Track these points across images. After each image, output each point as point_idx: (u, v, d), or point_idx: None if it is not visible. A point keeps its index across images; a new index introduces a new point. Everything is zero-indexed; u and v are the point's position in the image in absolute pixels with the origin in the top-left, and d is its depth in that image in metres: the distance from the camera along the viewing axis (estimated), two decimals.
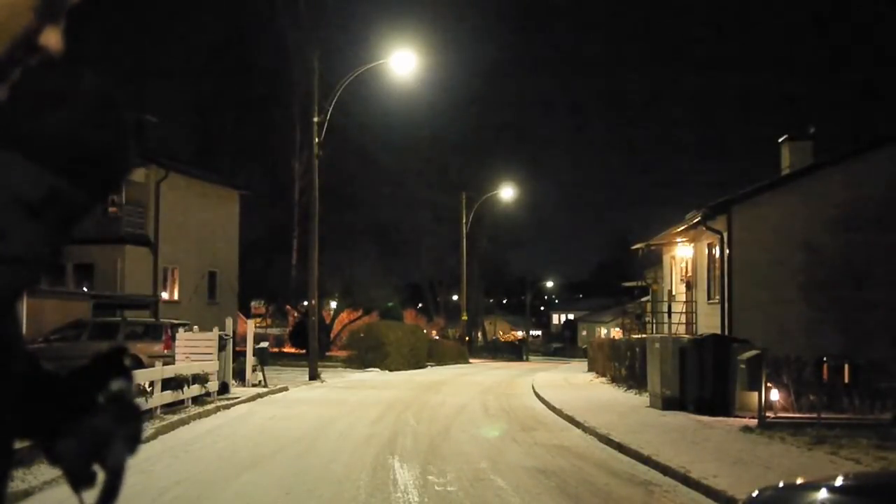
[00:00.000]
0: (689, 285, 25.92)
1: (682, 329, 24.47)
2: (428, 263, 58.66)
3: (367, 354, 35.01)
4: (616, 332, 51.58)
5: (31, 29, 0.99)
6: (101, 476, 1.13)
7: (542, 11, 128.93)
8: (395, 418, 15.70)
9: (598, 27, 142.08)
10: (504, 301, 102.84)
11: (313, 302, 27.79)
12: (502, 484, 9.12)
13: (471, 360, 48.82)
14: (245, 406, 17.41)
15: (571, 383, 26.26)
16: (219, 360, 18.36)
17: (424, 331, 48.36)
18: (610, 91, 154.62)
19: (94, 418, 1.13)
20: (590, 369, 33.59)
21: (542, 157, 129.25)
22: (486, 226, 60.67)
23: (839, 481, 2.89)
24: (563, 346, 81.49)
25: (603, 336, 57.08)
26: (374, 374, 31.36)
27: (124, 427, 1.14)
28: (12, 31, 0.98)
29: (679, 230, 25.28)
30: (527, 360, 57.79)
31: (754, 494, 2.87)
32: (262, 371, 21.48)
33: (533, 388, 23.53)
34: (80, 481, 1.12)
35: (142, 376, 13.98)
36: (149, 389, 13.96)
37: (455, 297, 65.43)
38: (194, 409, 15.42)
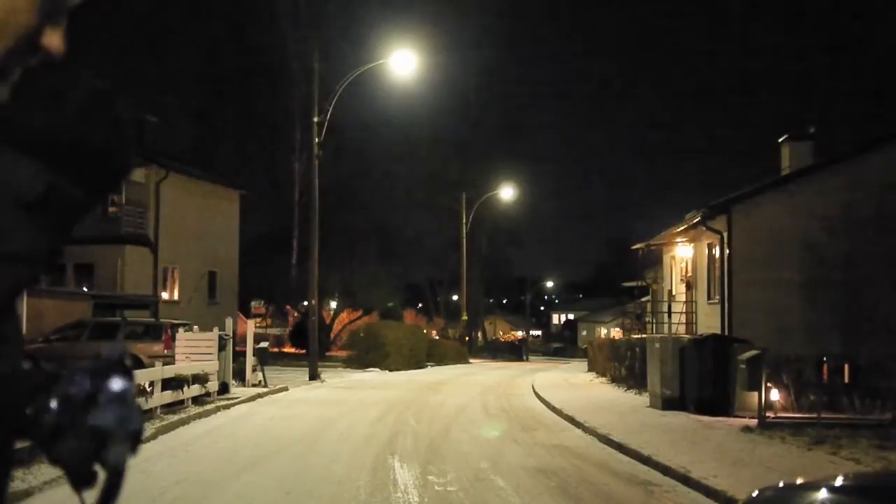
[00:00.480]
0: (689, 285, 25.93)
1: (682, 329, 24.47)
2: (428, 263, 58.63)
3: (367, 354, 35.01)
4: (616, 332, 51.61)
5: (33, 29, 0.99)
6: (101, 476, 1.13)
7: (543, 11, 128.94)
8: (395, 418, 15.70)
9: (599, 27, 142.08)
10: (504, 301, 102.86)
11: (313, 302, 27.79)
12: (502, 484, 9.12)
13: (471, 360, 48.82)
14: (245, 406, 17.41)
15: (571, 383, 26.26)
16: (219, 360, 18.36)
17: (424, 331, 48.36)
18: (610, 91, 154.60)
19: (95, 418, 1.12)
20: (590, 369, 33.59)
21: (542, 156, 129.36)
22: (486, 226, 60.66)
23: (839, 481, 2.89)
24: (563, 346, 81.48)
25: (603, 336, 57.11)
26: (374, 375, 31.36)
27: (125, 427, 1.14)
28: (13, 31, 0.98)
29: (679, 230, 25.28)
30: (527, 360, 57.76)
31: (754, 494, 2.87)
32: (262, 371, 21.48)
33: (533, 388, 23.54)
34: (80, 481, 1.12)
35: (142, 376, 13.97)
36: (149, 389, 13.95)
37: (455, 297, 65.42)
38: (194, 409, 15.42)
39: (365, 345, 35.74)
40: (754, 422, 13.54)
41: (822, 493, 2.58)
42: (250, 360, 21.53)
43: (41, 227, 0.96)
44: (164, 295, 30.28)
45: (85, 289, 26.61)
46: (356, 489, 8.68)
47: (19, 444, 1.13)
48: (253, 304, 49.34)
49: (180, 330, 20.19)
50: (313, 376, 25.71)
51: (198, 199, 32.68)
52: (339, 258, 40.33)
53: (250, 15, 43.25)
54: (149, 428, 12.57)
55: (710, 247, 23.07)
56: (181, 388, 15.35)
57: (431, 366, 40.06)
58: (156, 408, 14.14)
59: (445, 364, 42.47)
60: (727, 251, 20.55)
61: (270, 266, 41.55)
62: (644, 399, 18.36)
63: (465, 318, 53.20)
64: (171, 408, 14.90)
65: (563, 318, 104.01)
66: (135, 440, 1.16)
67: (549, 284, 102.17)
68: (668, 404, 16.37)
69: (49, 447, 1.14)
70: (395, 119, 48.68)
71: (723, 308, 20.63)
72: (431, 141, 54.58)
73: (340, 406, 17.94)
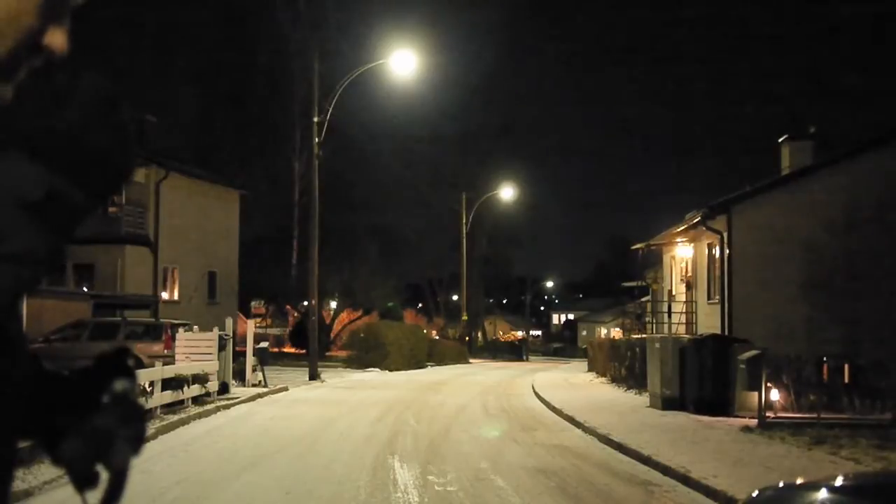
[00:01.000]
0: (689, 285, 25.92)
1: (682, 329, 24.47)
2: (428, 263, 58.62)
3: (367, 354, 35.00)
4: (616, 332, 51.59)
5: (35, 29, 1.00)
6: (104, 476, 1.13)
7: (543, 11, 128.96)
8: (395, 418, 15.70)
9: (600, 27, 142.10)
10: (504, 301, 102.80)
11: (313, 302, 27.79)
12: (502, 484, 9.13)
13: (471, 360, 48.81)
14: (245, 406, 17.41)
15: (571, 383, 26.26)
16: (219, 360, 18.36)
17: (424, 331, 48.35)
18: (611, 91, 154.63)
19: (98, 418, 1.13)
20: (590, 369, 33.59)
21: (542, 156, 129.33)
22: (486, 226, 60.65)
23: (839, 481, 2.89)
24: (563, 346, 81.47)
25: (603, 336, 57.11)
26: (374, 374, 31.36)
27: (128, 427, 1.14)
28: (16, 30, 0.98)
29: (679, 230, 25.28)
30: (527, 360, 57.75)
31: (754, 494, 2.87)
32: (262, 371, 21.48)
33: (533, 388, 23.54)
34: (83, 482, 1.12)
35: (142, 376, 13.96)
36: (149, 389, 13.95)
37: (455, 297, 65.41)
38: (194, 409, 15.42)
39: (365, 345, 35.74)
40: (754, 422, 13.54)
41: (822, 493, 2.58)
42: (250, 360, 21.53)
43: (42, 228, 0.96)
44: (164, 295, 30.27)
45: (85, 289, 26.59)
46: (356, 489, 8.68)
47: (20, 444, 1.13)
48: (253, 304, 49.32)
49: (180, 330, 20.19)
50: (313, 376, 25.71)
51: (198, 199, 32.68)
52: (339, 258, 40.32)
53: (250, 15, 43.26)
54: (149, 428, 12.55)
55: (710, 247, 23.07)
56: (181, 388, 15.36)
57: (431, 366, 40.06)
58: (156, 408, 14.14)
59: (445, 364, 42.46)
60: (727, 251, 20.55)
61: (270, 266, 41.54)
62: (644, 399, 18.36)
63: (465, 318, 53.19)
64: (171, 408, 14.90)
65: (563, 318, 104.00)
66: (138, 441, 1.16)
67: (549, 284, 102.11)
68: (667, 404, 16.37)
69: (52, 447, 1.14)
70: (395, 119, 48.74)
71: (723, 308, 20.63)
72: (431, 141, 54.60)
73: (340, 406, 17.94)
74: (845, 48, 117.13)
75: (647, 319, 29.43)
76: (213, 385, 17.48)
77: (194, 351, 18.20)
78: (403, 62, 27.23)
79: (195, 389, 16.15)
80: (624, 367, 23.77)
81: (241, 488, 8.79)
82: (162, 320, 22.44)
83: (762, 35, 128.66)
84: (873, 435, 11.96)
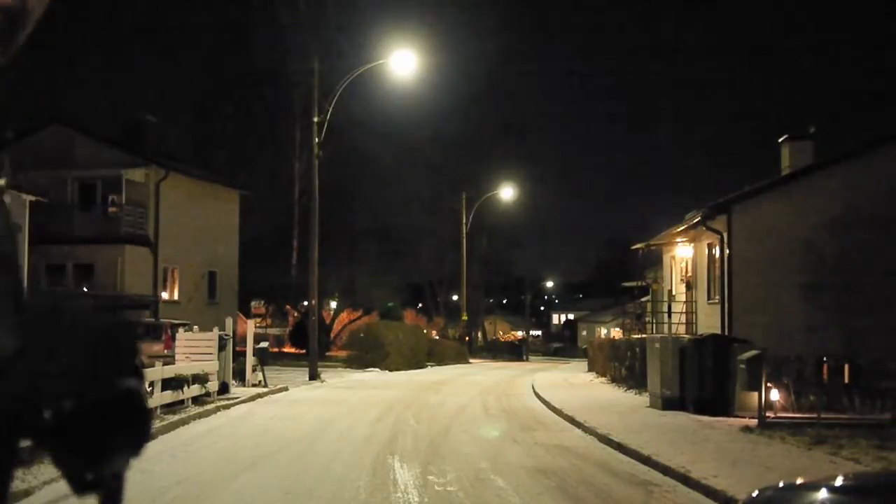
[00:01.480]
0: (689, 285, 25.92)
1: (682, 329, 24.47)
2: (428, 263, 58.61)
3: (367, 354, 35.01)
4: (616, 332, 51.58)
5: None
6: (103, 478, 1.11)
7: (543, 11, 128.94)
8: (395, 418, 15.71)
9: (599, 28, 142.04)
10: (504, 301, 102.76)
11: (313, 302, 27.80)
12: (502, 484, 9.13)
13: (471, 360, 48.82)
14: (245, 406, 17.41)
15: (571, 383, 26.26)
16: (219, 360, 18.36)
17: (424, 331, 48.36)
18: (611, 91, 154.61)
19: (100, 418, 1.10)
20: (590, 369, 33.58)
21: (542, 156, 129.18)
22: (487, 226, 60.63)
23: (839, 481, 2.88)
24: (563, 346, 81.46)
25: (603, 336, 57.08)
26: (374, 374, 31.36)
27: (131, 428, 1.11)
28: None
29: (679, 230, 25.28)
30: (527, 360, 57.74)
31: (754, 494, 2.87)
32: (262, 371, 21.49)
33: (533, 388, 23.53)
34: (82, 486, 1.09)
35: None
36: (149, 389, 13.96)
37: (455, 297, 65.38)
38: (194, 409, 15.42)
39: (365, 345, 35.74)
40: (754, 422, 13.54)
41: (822, 493, 2.58)
42: (250, 360, 21.54)
43: None
44: (164, 295, 30.27)
45: (85, 289, 26.60)
46: (356, 489, 8.68)
47: (20, 444, 1.12)
48: (253, 304, 49.32)
49: (180, 330, 20.21)
50: (313, 376, 25.71)
51: (198, 199, 32.67)
52: (339, 258, 40.33)
53: (250, 15, 43.28)
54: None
55: (710, 247, 23.07)
56: (181, 388, 15.36)
57: (431, 366, 40.07)
58: (156, 408, 14.14)
59: (445, 364, 42.47)
60: (727, 251, 20.55)
61: (270, 266, 41.55)
62: (644, 399, 18.36)
63: (464, 318, 53.19)
64: (171, 408, 14.91)
65: (563, 318, 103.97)
66: (140, 442, 1.13)
67: (549, 284, 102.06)
68: (667, 404, 16.37)
69: (52, 449, 1.12)
70: (395, 119, 48.71)
71: (723, 308, 20.63)
72: (431, 140, 54.59)
73: (340, 406, 17.94)
74: (846, 48, 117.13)
75: (647, 319, 29.43)
76: (213, 385, 17.49)
77: (194, 351, 18.21)
78: (403, 62, 27.23)
79: (195, 389, 16.15)
80: (624, 367, 23.78)
81: (240, 488, 8.79)
82: (162, 320, 22.48)
83: (766, 35, 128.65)
84: (873, 435, 11.95)
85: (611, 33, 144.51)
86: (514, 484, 9.12)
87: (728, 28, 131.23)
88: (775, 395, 14.08)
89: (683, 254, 26.60)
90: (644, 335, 24.05)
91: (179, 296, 31.57)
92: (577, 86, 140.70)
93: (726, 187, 32.14)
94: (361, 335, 37.36)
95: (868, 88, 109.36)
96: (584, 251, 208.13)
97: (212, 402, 16.84)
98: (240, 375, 20.97)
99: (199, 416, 15.07)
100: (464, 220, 49.80)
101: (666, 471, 9.90)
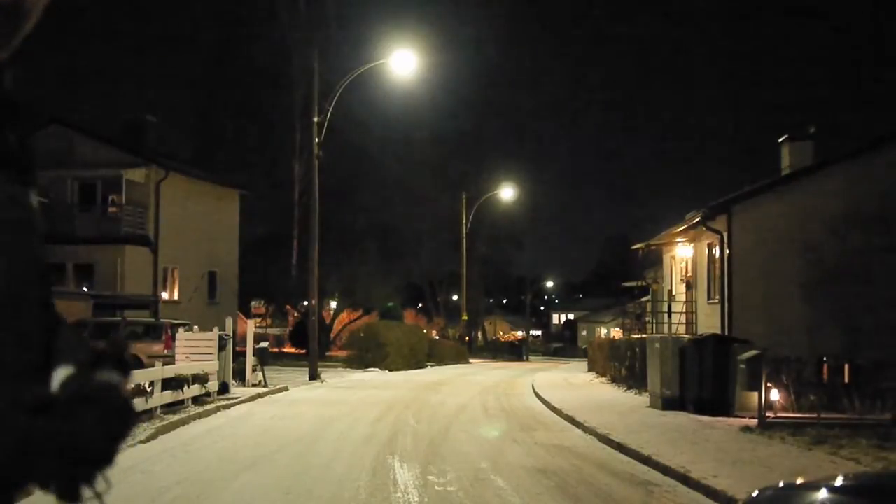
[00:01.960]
0: (689, 285, 25.91)
1: (682, 329, 24.46)
2: (428, 263, 58.61)
3: (367, 354, 35.00)
4: (616, 332, 51.56)
5: None
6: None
7: (543, 11, 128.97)
8: (395, 418, 15.70)
9: (600, 28, 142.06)
10: (504, 301, 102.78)
11: (313, 302, 27.79)
12: (502, 484, 9.12)
13: (471, 360, 48.82)
14: (245, 406, 17.41)
15: (571, 383, 26.25)
16: (219, 360, 18.35)
17: (424, 331, 48.35)
18: (611, 90, 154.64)
19: (74, 415, 1.01)
20: (590, 369, 33.58)
21: (542, 156, 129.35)
22: (486, 226, 60.64)
23: (839, 481, 2.89)
24: (563, 346, 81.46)
25: (603, 336, 57.07)
26: (374, 374, 31.35)
27: (107, 426, 1.02)
28: None
29: (679, 230, 25.27)
30: (527, 360, 57.75)
31: (754, 494, 2.87)
32: (262, 371, 21.48)
33: (533, 388, 23.53)
34: (65, 496, 1.01)
35: (142, 376, 13.98)
36: (149, 389, 13.96)
37: (455, 297, 65.39)
38: (194, 409, 15.42)
39: (365, 345, 35.73)
40: (754, 422, 13.53)
41: (822, 493, 2.58)
42: (250, 360, 21.54)
43: None
44: (164, 295, 30.26)
45: (85, 289, 26.60)
46: (356, 489, 8.68)
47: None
48: (253, 304, 49.31)
49: (180, 330, 20.20)
50: (313, 376, 25.71)
51: (198, 199, 32.67)
52: (339, 258, 40.30)
53: (250, 15, 43.27)
54: (149, 428, 12.58)
55: (710, 247, 23.06)
56: (181, 388, 15.36)
57: (431, 366, 40.06)
58: (156, 408, 14.14)
59: (445, 364, 42.46)
60: (727, 251, 20.54)
61: (270, 266, 41.55)
62: (644, 399, 18.36)
63: (464, 318, 53.18)
64: (171, 408, 14.90)
65: (562, 318, 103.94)
66: (115, 442, 1.03)
67: (549, 284, 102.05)
68: (667, 404, 16.36)
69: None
70: (395, 119, 48.73)
71: (723, 308, 20.62)
72: (431, 141, 54.60)
73: (340, 406, 17.94)
74: (845, 49, 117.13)
75: (647, 319, 29.42)
76: (213, 385, 17.48)
77: (194, 351, 18.20)
78: (403, 62, 27.23)
79: (195, 389, 16.15)
80: (624, 367, 23.77)
81: (240, 488, 8.79)
82: (162, 320, 22.45)
83: (766, 36, 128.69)
84: (873, 435, 11.95)
85: (611, 31, 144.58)
86: (514, 484, 9.12)
87: (728, 28, 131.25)
88: (775, 395, 14.08)
89: (683, 254, 26.60)
90: (644, 335, 24.05)
91: (179, 296, 31.57)
92: (578, 86, 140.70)
93: (727, 187, 32.12)
94: (361, 335, 37.35)
95: (868, 89, 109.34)
96: (584, 251, 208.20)
97: (212, 402, 16.84)
98: (240, 375, 20.97)
99: (199, 416, 15.06)
100: (464, 220, 49.79)
101: (666, 471, 9.90)
